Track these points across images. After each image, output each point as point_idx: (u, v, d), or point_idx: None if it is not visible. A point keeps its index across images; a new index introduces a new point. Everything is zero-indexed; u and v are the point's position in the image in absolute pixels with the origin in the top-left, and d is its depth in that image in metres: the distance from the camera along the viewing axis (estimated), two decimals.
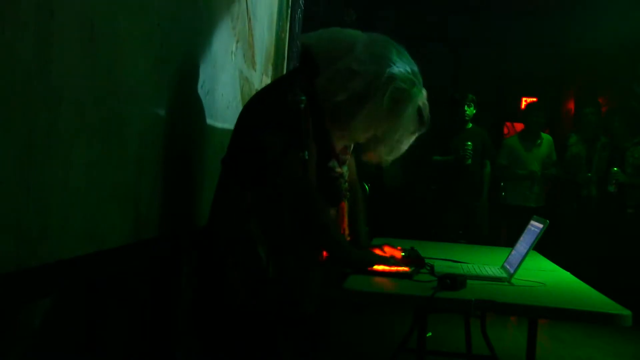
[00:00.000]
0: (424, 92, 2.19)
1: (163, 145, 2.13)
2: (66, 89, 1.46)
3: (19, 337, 1.54)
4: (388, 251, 2.28)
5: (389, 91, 2.05)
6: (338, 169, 2.20)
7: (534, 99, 7.64)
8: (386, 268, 2.20)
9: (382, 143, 2.17)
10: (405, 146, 2.21)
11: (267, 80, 3.45)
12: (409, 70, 2.10)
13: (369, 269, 2.19)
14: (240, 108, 3.03)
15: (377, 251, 2.29)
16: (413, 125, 2.16)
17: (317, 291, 2.14)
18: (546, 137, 6.10)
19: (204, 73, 2.52)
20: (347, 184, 2.30)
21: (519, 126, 7.87)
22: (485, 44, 7.97)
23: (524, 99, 8.10)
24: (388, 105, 2.06)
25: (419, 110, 2.16)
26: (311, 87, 2.07)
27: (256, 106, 2.15)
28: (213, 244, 2.09)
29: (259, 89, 3.22)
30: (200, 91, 2.47)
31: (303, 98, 1.98)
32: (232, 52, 2.86)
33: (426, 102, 2.19)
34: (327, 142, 2.13)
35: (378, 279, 2.14)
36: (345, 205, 2.34)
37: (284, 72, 3.92)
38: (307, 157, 1.96)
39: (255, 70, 3.27)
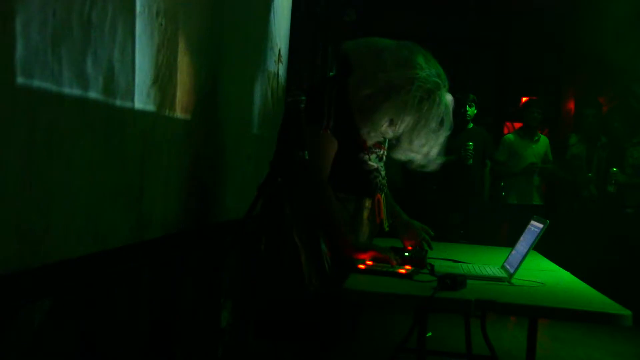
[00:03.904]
0: (450, 97, 2.30)
1: (167, 145, 2.13)
2: (68, 87, 1.46)
3: (19, 337, 1.54)
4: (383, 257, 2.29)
5: (412, 89, 2.19)
6: (371, 163, 2.35)
7: (534, 99, 7.64)
8: (386, 267, 2.21)
9: (406, 140, 2.30)
10: (428, 145, 2.31)
11: None
12: (434, 73, 2.25)
13: (368, 269, 2.20)
14: (239, 108, 3.03)
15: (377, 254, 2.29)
16: (435, 125, 2.27)
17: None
18: (543, 137, 6.12)
19: (209, 72, 2.52)
20: (384, 179, 2.44)
21: (519, 126, 7.87)
22: (485, 44, 7.96)
23: (524, 99, 8.10)
24: (411, 102, 2.20)
25: (442, 112, 2.28)
26: (343, 86, 2.24)
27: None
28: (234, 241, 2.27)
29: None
30: (205, 91, 2.48)
31: (303, 98, 2.05)
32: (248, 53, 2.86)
33: (450, 105, 2.30)
34: (355, 136, 2.28)
35: (378, 279, 2.14)
36: (381, 198, 2.44)
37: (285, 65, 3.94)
38: (306, 157, 2.03)
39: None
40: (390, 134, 2.31)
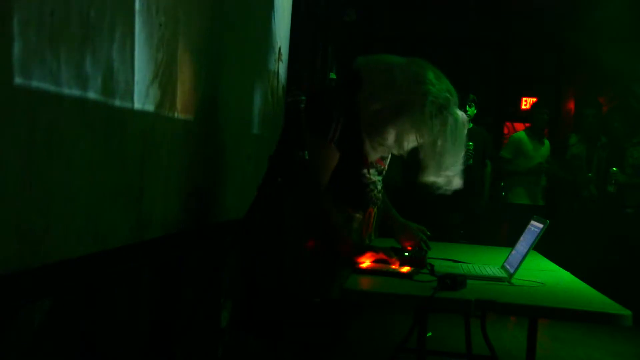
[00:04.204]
0: (462, 114, 2.29)
1: (166, 145, 2.13)
2: (67, 87, 1.46)
3: (19, 337, 1.54)
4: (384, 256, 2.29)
5: (424, 105, 2.18)
6: (368, 177, 2.34)
7: (534, 99, 7.65)
8: (386, 267, 2.21)
9: (433, 162, 2.29)
10: (447, 161, 2.30)
11: None
12: (445, 89, 2.24)
13: (368, 269, 2.20)
14: (239, 107, 3.03)
15: (377, 254, 2.29)
16: (448, 142, 2.25)
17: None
18: (546, 139, 6.14)
19: (209, 71, 2.52)
20: (380, 193, 2.42)
21: (519, 126, 7.87)
22: (485, 44, 7.97)
23: (524, 99, 8.11)
24: (423, 118, 2.19)
25: (455, 128, 2.26)
26: (352, 99, 2.23)
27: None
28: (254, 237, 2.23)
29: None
30: (205, 91, 2.48)
31: (303, 98, 2.05)
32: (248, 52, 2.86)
33: (461, 123, 2.28)
34: (359, 151, 2.27)
35: (378, 279, 2.14)
36: (373, 211, 2.41)
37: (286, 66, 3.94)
38: (306, 157, 2.03)
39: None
40: (398, 150, 2.30)
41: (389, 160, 2.47)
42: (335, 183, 2.26)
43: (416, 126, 2.21)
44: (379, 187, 2.43)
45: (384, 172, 2.46)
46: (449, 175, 2.33)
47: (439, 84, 2.23)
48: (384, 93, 2.20)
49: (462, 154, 2.33)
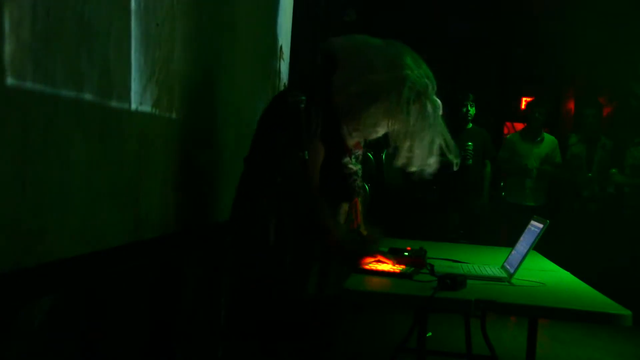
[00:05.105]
0: (439, 101, 2.22)
1: (165, 145, 2.13)
2: (63, 87, 1.45)
3: (19, 337, 1.54)
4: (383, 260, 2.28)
5: (403, 90, 2.12)
6: (351, 166, 2.29)
7: (533, 100, 7.67)
8: (385, 268, 2.21)
9: (404, 146, 2.22)
10: (420, 147, 2.23)
11: None
12: (423, 74, 2.18)
13: (369, 269, 2.20)
14: (239, 106, 3.03)
15: (376, 255, 2.28)
16: (426, 127, 2.19)
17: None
18: (549, 137, 6.12)
19: (208, 70, 2.51)
20: (362, 182, 2.37)
21: (519, 126, 7.87)
22: (486, 44, 7.97)
23: (524, 99, 8.11)
24: (401, 104, 2.13)
25: (433, 114, 2.19)
26: (327, 83, 2.16)
27: (274, 105, 2.24)
28: (234, 241, 2.22)
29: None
30: (204, 90, 2.47)
31: (303, 98, 2.03)
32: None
33: (438, 109, 2.21)
34: (340, 139, 2.21)
35: (378, 279, 2.14)
36: (358, 201, 2.38)
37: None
38: (306, 157, 2.01)
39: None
40: (374, 135, 2.25)
41: (364, 144, 2.40)
42: (320, 177, 2.21)
43: (392, 111, 2.15)
44: (360, 174, 2.36)
45: (360, 157, 2.38)
46: (424, 159, 2.25)
47: (417, 69, 2.17)
48: (359, 76, 2.14)
49: (438, 140, 2.24)
